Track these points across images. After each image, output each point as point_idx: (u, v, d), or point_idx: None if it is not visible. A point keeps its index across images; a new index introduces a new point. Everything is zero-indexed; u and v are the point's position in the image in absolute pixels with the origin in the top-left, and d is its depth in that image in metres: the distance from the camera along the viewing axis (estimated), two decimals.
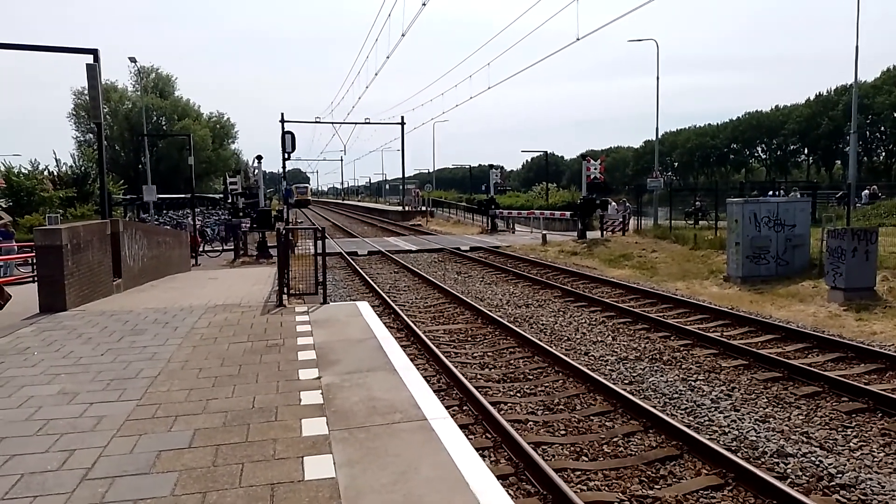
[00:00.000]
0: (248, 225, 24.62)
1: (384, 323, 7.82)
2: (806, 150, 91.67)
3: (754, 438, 6.13)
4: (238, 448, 3.82)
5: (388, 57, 20.78)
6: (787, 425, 6.45)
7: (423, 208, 50.50)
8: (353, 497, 3.18)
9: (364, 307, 8.45)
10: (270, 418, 4.32)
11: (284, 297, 9.04)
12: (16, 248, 22.38)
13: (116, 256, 11.04)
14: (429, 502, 3.12)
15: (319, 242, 9.09)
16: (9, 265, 18.92)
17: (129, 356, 6.06)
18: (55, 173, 42.56)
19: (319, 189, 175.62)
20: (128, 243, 11.74)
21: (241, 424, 4.21)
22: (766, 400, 7.19)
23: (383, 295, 14.19)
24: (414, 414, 4.33)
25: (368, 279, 16.84)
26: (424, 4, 13.92)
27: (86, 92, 58.44)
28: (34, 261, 19.21)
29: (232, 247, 25.24)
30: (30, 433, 4.13)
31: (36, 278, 16.16)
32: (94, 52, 10.70)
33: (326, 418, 4.29)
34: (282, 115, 44.21)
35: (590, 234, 25.92)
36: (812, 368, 7.93)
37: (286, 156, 33.02)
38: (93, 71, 10.62)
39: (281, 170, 52.81)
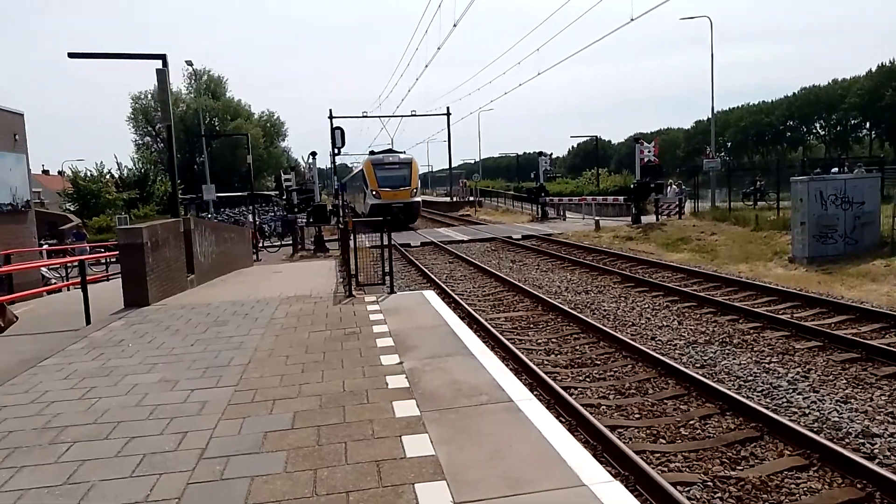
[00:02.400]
0: (305, 220, 25.19)
1: None
2: (868, 125, 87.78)
3: (837, 419, 6.03)
4: (337, 429, 4.02)
5: (438, 48, 20.87)
6: (870, 406, 6.32)
7: (471, 198, 50.58)
8: (455, 472, 3.32)
9: (431, 296, 8.62)
10: (363, 401, 4.51)
11: (353, 287, 9.28)
12: (88, 248, 23.51)
13: (189, 253, 11.51)
14: (529, 478, 3.24)
15: (385, 235, 9.30)
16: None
17: (217, 346, 6.37)
18: (117, 176, 44.32)
19: None
20: (198, 240, 12.22)
21: (336, 407, 4.41)
22: (845, 381, 7.05)
23: (441, 284, 14.38)
24: (499, 396, 4.46)
25: (424, 269, 17.06)
26: None
27: (143, 97, 59.99)
28: (107, 260, 20.14)
29: (289, 242, 25.90)
30: (142, 417, 4.42)
31: (108, 277, 16.97)
32: (163, 58, 11.16)
33: (415, 401, 4.45)
34: (330, 111, 44.88)
35: (644, 219, 25.55)
36: (892, 349, 7.72)
37: (336, 151, 33.53)
38: (162, 75, 11.07)
39: (330, 165, 53.50)
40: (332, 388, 4.84)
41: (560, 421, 6.29)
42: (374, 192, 32.23)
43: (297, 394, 4.74)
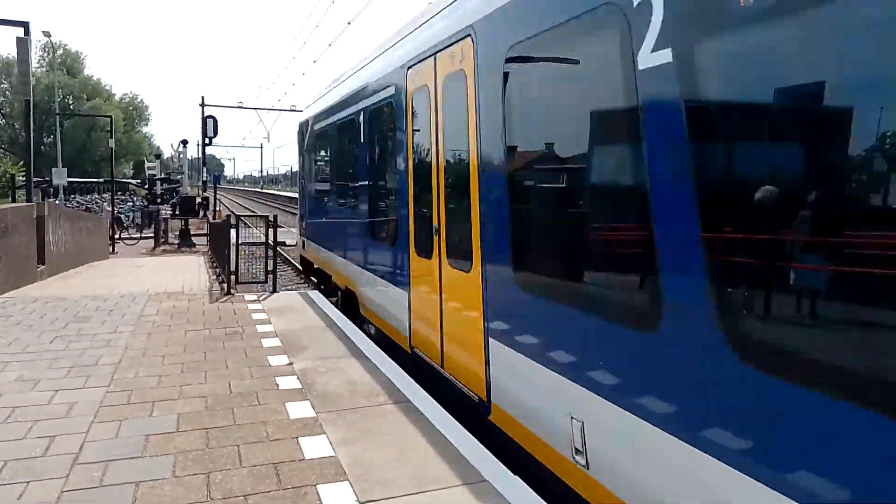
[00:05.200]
0: (170, 212, 23.68)
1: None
2: None
3: None
4: (228, 431, 3.83)
5: (329, 45, 20.41)
6: None
7: None
8: (360, 473, 3.29)
9: (316, 296, 8.43)
10: (253, 402, 4.33)
11: (231, 285, 8.87)
12: None
13: (41, 242, 10.44)
14: (435, 476, 3.27)
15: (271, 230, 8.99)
16: None
17: (81, 343, 5.84)
18: None
19: (235, 177, 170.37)
20: (52, 228, 11.12)
21: (225, 409, 4.20)
22: None
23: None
24: (397, 396, 4.46)
25: (300, 267, 16.63)
26: None
27: None
28: None
29: (149, 234, 24.17)
30: None
31: None
32: (25, 25, 10.01)
33: (310, 402, 4.35)
34: (202, 98, 42.40)
35: None
36: None
37: (208, 141, 31.79)
38: (24, 45, 9.94)
39: (199, 155, 50.77)
40: (218, 389, 4.60)
41: None
42: None
43: (178, 395, 4.46)
